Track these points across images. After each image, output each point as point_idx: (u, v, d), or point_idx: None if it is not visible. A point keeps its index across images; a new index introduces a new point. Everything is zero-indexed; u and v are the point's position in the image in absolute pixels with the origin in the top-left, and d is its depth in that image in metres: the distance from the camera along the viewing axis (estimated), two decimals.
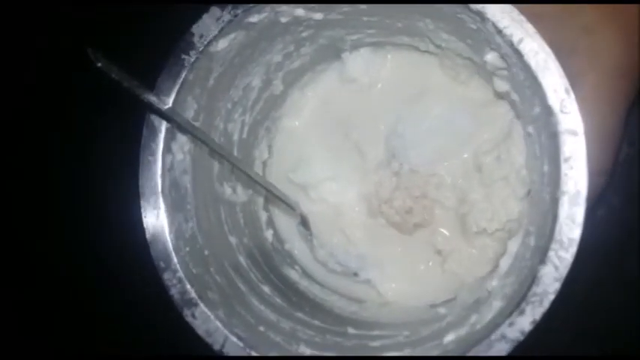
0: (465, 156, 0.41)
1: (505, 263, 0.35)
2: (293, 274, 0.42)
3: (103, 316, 0.45)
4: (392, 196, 0.42)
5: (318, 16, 0.33)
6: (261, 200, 0.43)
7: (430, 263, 0.42)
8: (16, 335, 0.47)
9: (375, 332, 0.37)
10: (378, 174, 0.43)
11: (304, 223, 0.42)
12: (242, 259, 0.38)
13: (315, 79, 0.42)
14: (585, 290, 0.43)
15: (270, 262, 0.41)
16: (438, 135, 0.42)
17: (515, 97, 0.32)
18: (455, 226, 0.42)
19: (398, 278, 0.43)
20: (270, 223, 0.44)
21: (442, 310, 0.38)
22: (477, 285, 0.37)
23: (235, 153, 0.39)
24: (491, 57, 0.29)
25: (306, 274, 0.43)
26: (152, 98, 0.29)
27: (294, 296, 0.40)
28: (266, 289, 0.38)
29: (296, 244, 0.44)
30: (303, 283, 0.42)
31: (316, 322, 0.37)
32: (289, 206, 0.40)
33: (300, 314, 0.37)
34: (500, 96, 0.36)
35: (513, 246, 0.37)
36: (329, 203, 0.43)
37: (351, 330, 0.37)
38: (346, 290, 0.43)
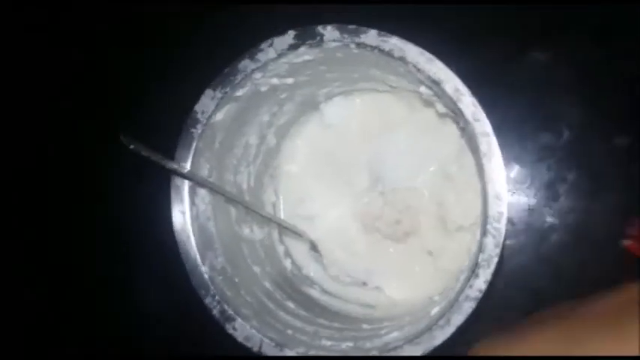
0: (433, 169, 0.50)
1: (474, 247, 0.43)
2: (313, 293, 0.50)
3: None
4: (381, 212, 0.50)
5: (290, 80, 0.42)
6: (276, 235, 0.52)
7: (424, 263, 0.50)
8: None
9: (385, 324, 0.45)
10: (367, 197, 0.51)
11: (313, 247, 0.50)
12: (267, 284, 0.46)
13: (301, 129, 0.51)
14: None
15: (292, 285, 0.50)
16: (408, 156, 0.50)
17: (452, 115, 0.41)
18: (437, 228, 0.50)
19: (400, 281, 0.51)
20: (287, 253, 0.52)
21: (437, 298, 0.46)
22: (459, 271, 0.45)
23: (247, 199, 0.48)
24: (423, 89, 0.38)
25: (324, 290, 0.51)
26: (175, 165, 0.38)
27: (315, 308, 0.48)
28: (290, 304, 0.46)
29: (312, 268, 0.52)
30: (323, 299, 0.50)
31: (335, 324, 0.45)
32: (298, 234, 0.49)
33: (321, 320, 0.45)
34: (445, 116, 0.45)
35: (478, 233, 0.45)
36: (332, 227, 0.52)
37: (365, 326, 0.45)
38: (359, 298, 0.51)
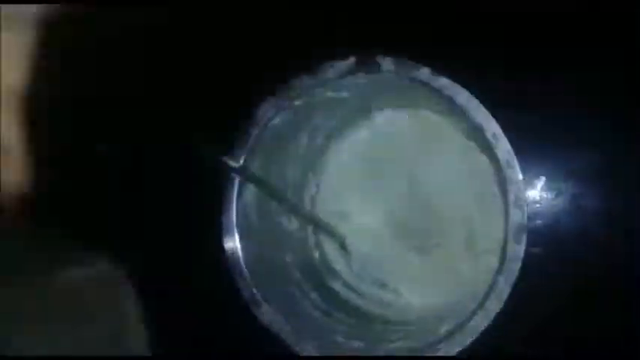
0: (469, 191, 0.52)
1: (492, 273, 0.46)
2: (336, 286, 0.54)
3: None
4: (413, 222, 0.54)
5: (345, 94, 0.45)
6: (310, 227, 0.56)
7: (444, 276, 0.54)
8: None
9: (398, 327, 0.49)
10: (401, 204, 0.54)
11: (342, 245, 0.54)
12: (297, 273, 0.51)
13: (350, 132, 0.55)
14: None
15: (317, 276, 0.54)
16: (447, 174, 0.53)
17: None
18: (464, 246, 0.53)
19: (418, 288, 0.54)
20: (318, 245, 0.56)
21: (448, 314, 0.49)
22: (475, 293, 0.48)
23: (289, 191, 0.52)
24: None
25: (346, 285, 0.55)
26: (229, 161, 0.42)
27: (335, 301, 0.52)
28: (314, 295, 0.50)
29: (339, 262, 0.56)
30: (344, 292, 0.54)
31: (352, 321, 0.49)
32: (330, 232, 0.52)
33: (340, 314, 0.49)
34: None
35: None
36: (363, 227, 0.55)
37: (378, 326, 0.49)
38: (378, 297, 0.55)
